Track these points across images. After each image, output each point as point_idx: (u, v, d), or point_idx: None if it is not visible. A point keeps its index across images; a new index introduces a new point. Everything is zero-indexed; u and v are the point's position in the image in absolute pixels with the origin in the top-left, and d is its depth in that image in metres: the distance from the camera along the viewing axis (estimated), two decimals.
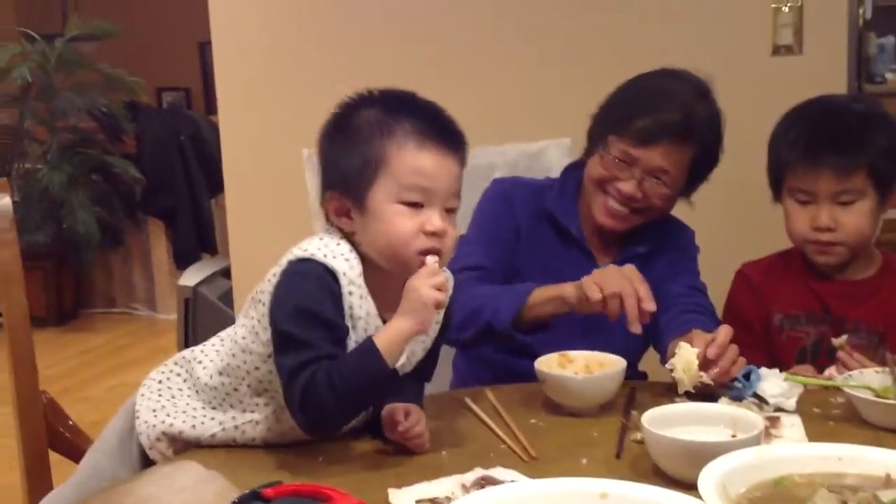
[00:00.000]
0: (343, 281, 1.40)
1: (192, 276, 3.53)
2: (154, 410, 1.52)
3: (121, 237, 5.73)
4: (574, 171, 2.00)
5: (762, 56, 2.86)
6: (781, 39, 2.84)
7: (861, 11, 3.09)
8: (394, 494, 1.25)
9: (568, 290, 1.73)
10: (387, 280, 1.44)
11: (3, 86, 5.35)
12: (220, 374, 1.50)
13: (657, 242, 1.95)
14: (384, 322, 1.43)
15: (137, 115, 5.66)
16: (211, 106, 6.50)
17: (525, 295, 1.77)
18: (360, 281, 1.42)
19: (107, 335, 5.51)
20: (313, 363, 1.35)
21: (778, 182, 1.87)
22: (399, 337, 1.36)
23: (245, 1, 3.40)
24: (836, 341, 1.67)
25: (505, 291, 1.81)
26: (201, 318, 3.52)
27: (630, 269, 1.68)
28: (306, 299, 1.38)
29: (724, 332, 1.60)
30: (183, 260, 5.51)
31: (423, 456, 1.40)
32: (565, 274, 1.84)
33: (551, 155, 2.26)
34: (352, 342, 1.41)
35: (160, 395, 1.54)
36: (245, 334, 1.47)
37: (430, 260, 1.39)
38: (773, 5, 2.84)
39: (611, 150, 1.87)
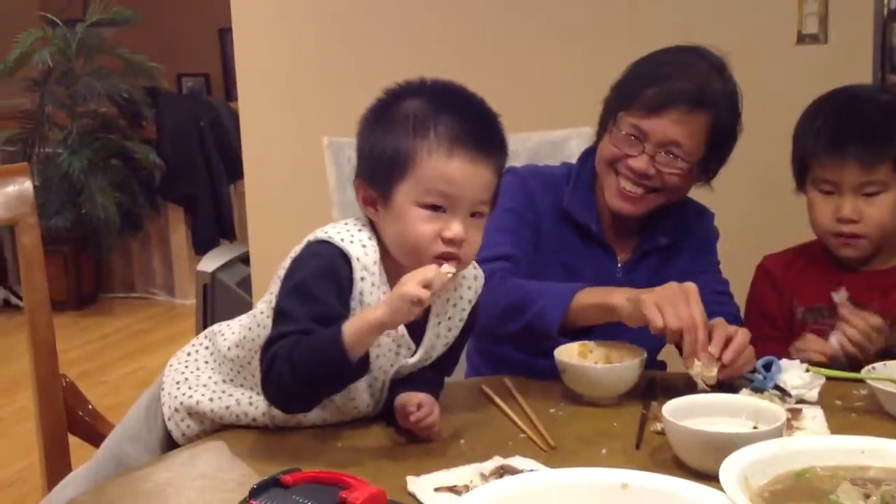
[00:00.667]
0: (356, 266, 1.40)
1: (210, 262, 3.54)
2: (178, 382, 1.56)
3: (140, 222, 5.75)
4: (589, 158, 1.92)
5: (787, 45, 2.84)
6: (807, 28, 2.82)
7: (887, 1, 3.06)
8: (412, 482, 1.24)
9: (619, 301, 1.60)
10: (404, 269, 1.43)
11: (24, 70, 5.36)
12: (237, 346, 1.52)
13: (678, 232, 1.89)
14: None
15: (157, 101, 5.67)
16: (230, 92, 6.52)
17: (571, 296, 1.66)
18: (376, 268, 1.42)
19: (125, 320, 5.54)
20: (287, 337, 1.35)
21: (802, 172, 1.85)
22: (368, 326, 1.31)
23: None
24: (836, 296, 1.66)
25: (548, 289, 1.70)
26: (220, 303, 3.54)
27: (692, 292, 1.54)
28: (307, 278, 1.39)
29: (742, 336, 1.55)
30: (202, 246, 5.53)
31: (442, 444, 1.40)
32: (585, 272, 1.83)
33: (573, 144, 2.24)
34: None
35: (186, 367, 1.57)
36: (263, 308, 1.48)
37: (445, 269, 1.35)
38: None
39: (620, 126, 1.79)
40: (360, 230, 1.45)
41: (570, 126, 2.32)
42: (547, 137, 2.32)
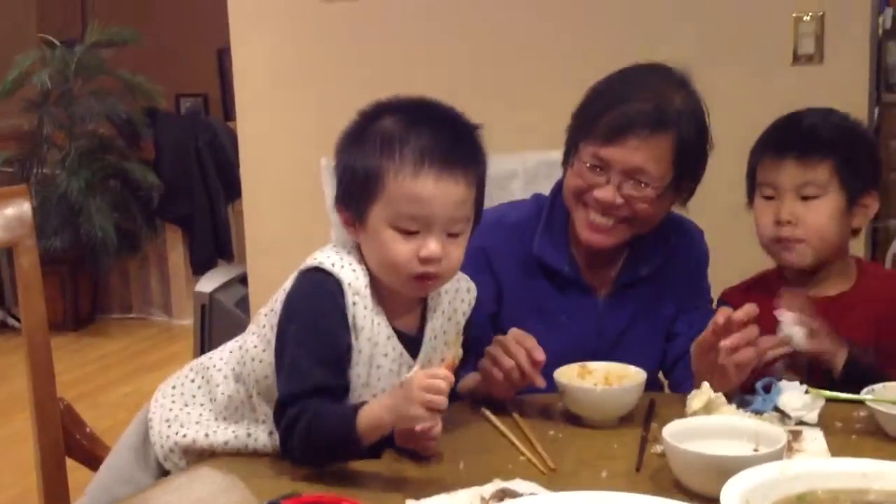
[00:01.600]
0: (348, 291, 1.40)
1: (209, 283, 3.53)
2: (167, 420, 1.52)
3: (138, 243, 5.74)
4: (561, 191, 1.81)
5: (783, 65, 2.85)
6: (803, 48, 2.83)
7: (881, 20, 3.08)
8: None
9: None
10: (392, 292, 1.45)
11: (22, 91, 5.36)
12: (236, 381, 1.50)
13: (662, 261, 1.81)
14: (395, 330, 1.44)
15: (156, 121, 5.67)
16: (228, 112, 6.52)
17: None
18: (366, 292, 1.42)
19: (123, 341, 5.52)
20: (302, 399, 1.36)
21: (751, 186, 1.85)
22: (379, 428, 1.33)
23: (265, 8, 3.41)
24: (779, 315, 1.66)
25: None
26: (217, 324, 3.53)
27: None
28: (311, 318, 1.39)
29: (744, 311, 1.55)
30: (199, 266, 5.51)
31: (441, 467, 1.40)
32: (564, 317, 1.79)
33: None
34: (355, 351, 1.42)
35: (174, 403, 1.54)
36: (256, 343, 1.47)
37: (415, 369, 1.36)
38: (794, 14, 2.83)
39: (582, 156, 1.70)
40: (349, 253, 1.45)
41: None
42: (545, 158, 2.31)
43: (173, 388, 1.56)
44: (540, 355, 1.56)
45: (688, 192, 1.78)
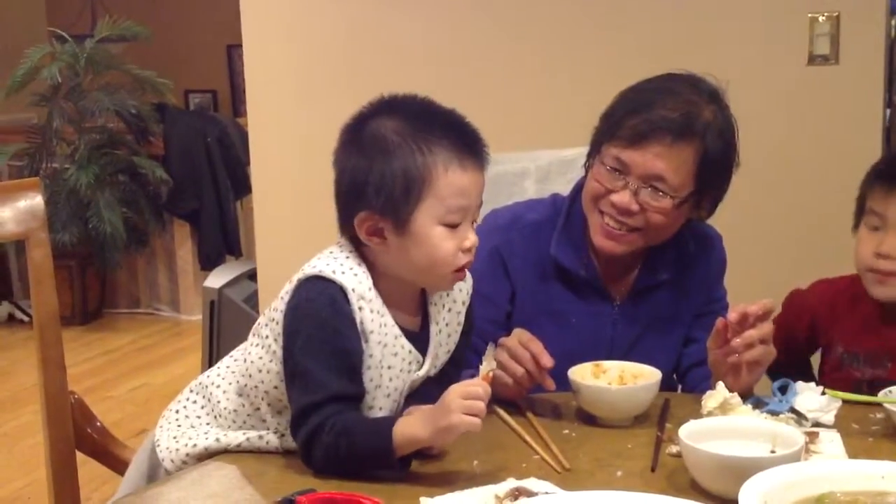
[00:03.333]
0: (352, 297, 1.38)
1: (218, 278, 3.52)
2: (175, 438, 1.50)
3: (146, 238, 5.74)
4: (581, 192, 1.79)
5: (798, 65, 2.83)
6: (818, 49, 2.81)
7: (894, 23, 3.06)
8: (427, 503, 1.23)
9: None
10: (398, 287, 1.44)
11: (33, 85, 5.37)
12: (239, 395, 1.48)
13: (681, 267, 1.79)
14: (401, 328, 1.43)
15: (165, 117, 5.68)
16: (238, 108, 6.53)
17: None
18: (371, 294, 1.41)
19: (131, 335, 5.52)
20: (321, 407, 1.34)
21: (859, 211, 1.82)
22: (415, 443, 1.33)
23: (276, 4, 3.40)
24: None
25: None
26: (226, 320, 3.52)
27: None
28: (320, 328, 1.36)
29: (760, 304, 1.55)
30: (207, 262, 5.52)
31: (455, 465, 1.39)
32: (581, 320, 1.77)
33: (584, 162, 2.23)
34: (366, 356, 1.40)
35: (179, 426, 1.52)
36: (261, 354, 1.44)
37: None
38: (809, 14, 2.81)
39: (604, 157, 1.69)
40: (347, 257, 1.43)
41: (581, 144, 2.31)
42: (558, 156, 2.31)
43: (176, 411, 1.54)
44: (547, 361, 1.56)
45: (708, 208, 1.76)
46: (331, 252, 1.45)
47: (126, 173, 5.59)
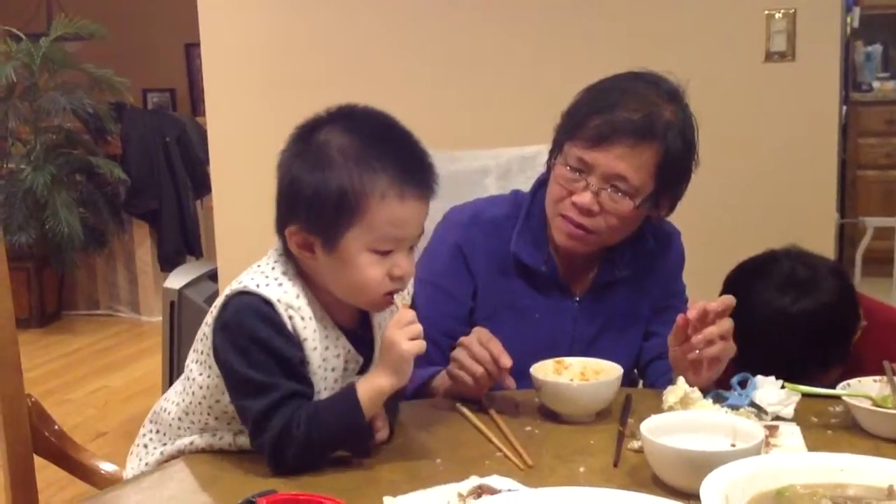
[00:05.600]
0: (279, 307, 1.37)
1: (178, 279, 3.49)
2: (140, 459, 1.51)
3: (104, 238, 5.66)
4: (542, 188, 1.80)
5: (755, 62, 2.86)
6: (774, 46, 2.84)
7: (849, 19, 3.10)
8: (390, 503, 1.22)
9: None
10: (338, 298, 1.42)
11: None
12: (187, 414, 1.47)
13: (640, 264, 1.81)
14: (334, 321, 1.42)
15: (123, 116, 5.62)
16: (196, 107, 6.47)
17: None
18: (300, 302, 1.39)
19: (90, 337, 5.47)
20: (279, 406, 1.33)
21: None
22: (380, 394, 1.35)
23: (234, 2, 3.38)
24: None
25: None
26: (187, 321, 3.49)
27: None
28: (252, 337, 1.35)
29: (720, 301, 1.56)
30: (167, 262, 5.47)
31: (418, 464, 1.38)
32: (542, 315, 1.78)
33: (545, 159, 2.24)
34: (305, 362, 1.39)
35: (140, 459, 1.52)
36: (201, 370, 1.44)
37: (398, 301, 1.38)
38: (766, 12, 2.84)
39: (566, 156, 1.70)
40: (273, 268, 1.41)
41: (542, 142, 2.32)
42: (519, 153, 2.31)
43: (137, 446, 1.54)
44: (507, 361, 1.56)
45: (667, 207, 1.77)
46: (258, 265, 1.43)
47: (83, 173, 5.51)
